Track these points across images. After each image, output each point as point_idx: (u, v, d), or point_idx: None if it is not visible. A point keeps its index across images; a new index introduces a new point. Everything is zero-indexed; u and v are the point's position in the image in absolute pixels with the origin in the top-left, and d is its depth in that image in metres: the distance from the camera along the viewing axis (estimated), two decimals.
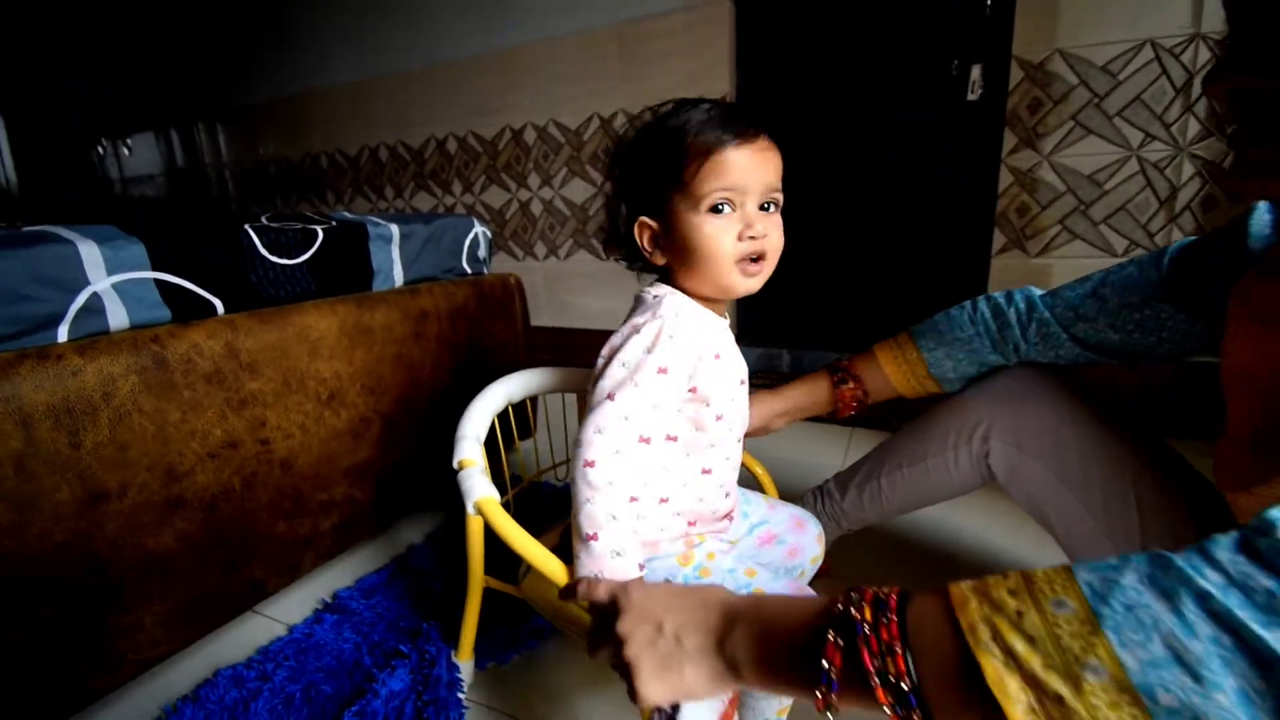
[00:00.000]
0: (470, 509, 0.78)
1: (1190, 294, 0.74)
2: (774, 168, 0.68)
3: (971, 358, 0.91)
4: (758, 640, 0.48)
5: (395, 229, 1.33)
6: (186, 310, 0.98)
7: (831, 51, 2.30)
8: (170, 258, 0.95)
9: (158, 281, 0.94)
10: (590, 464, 0.64)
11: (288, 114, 3.57)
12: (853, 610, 0.43)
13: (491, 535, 0.78)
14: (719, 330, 0.74)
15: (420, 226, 1.39)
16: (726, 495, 0.79)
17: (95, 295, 0.87)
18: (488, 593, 0.92)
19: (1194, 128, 1.79)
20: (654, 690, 0.51)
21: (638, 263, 0.76)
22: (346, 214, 1.35)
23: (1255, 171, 0.51)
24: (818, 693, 0.43)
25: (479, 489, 0.78)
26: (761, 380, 2.50)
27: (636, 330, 0.68)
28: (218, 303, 1.02)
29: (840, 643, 0.42)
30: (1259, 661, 0.30)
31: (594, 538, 0.63)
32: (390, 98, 3.18)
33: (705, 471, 0.75)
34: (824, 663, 0.42)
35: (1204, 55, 1.73)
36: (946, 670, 0.38)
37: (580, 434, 0.66)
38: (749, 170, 0.65)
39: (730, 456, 0.77)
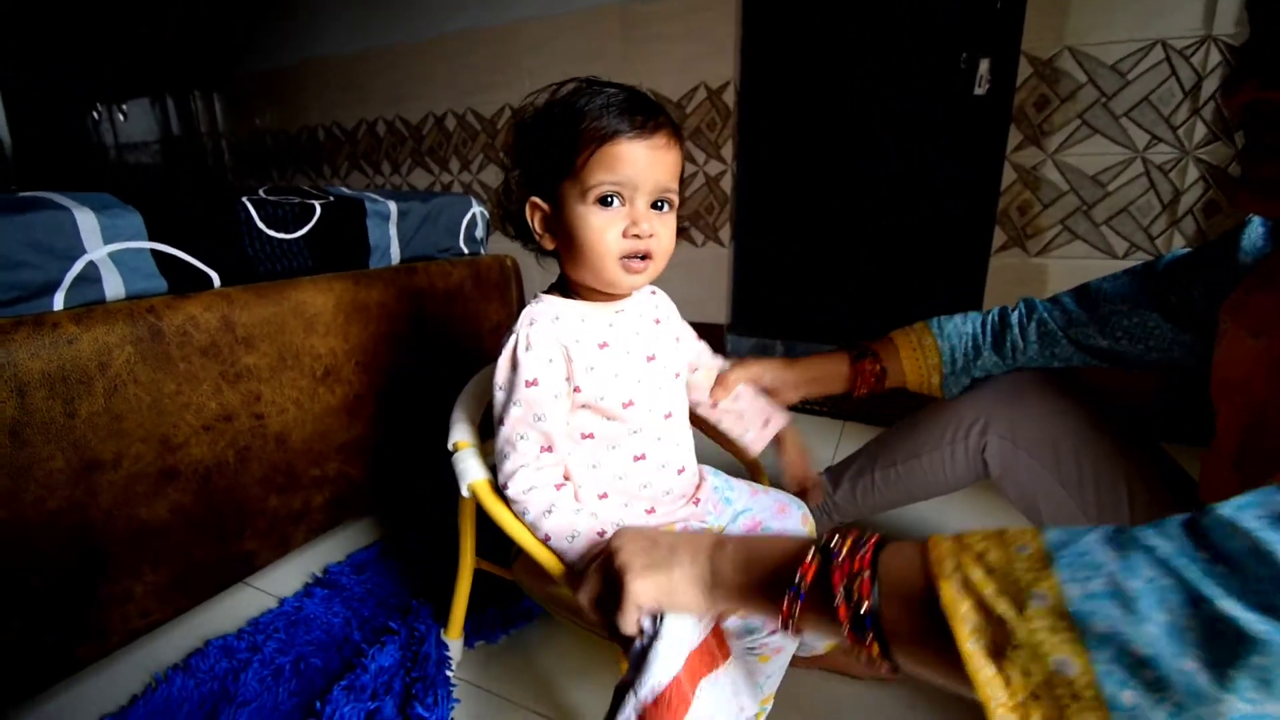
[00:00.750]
0: (464, 491, 0.78)
1: (1179, 305, 0.75)
2: (671, 166, 0.67)
3: (973, 354, 0.91)
4: (744, 556, 0.53)
5: (393, 206, 1.32)
6: (183, 282, 0.97)
7: (838, 39, 2.28)
8: (167, 228, 0.94)
9: (154, 252, 0.93)
10: (505, 486, 0.69)
11: (285, 85, 3.52)
12: (835, 541, 0.47)
13: (483, 517, 0.78)
14: (600, 324, 0.73)
15: (418, 204, 1.38)
16: (680, 471, 0.78)
17: (91, 264, 0.86)
18: (478, 573, 0.92)
19: (1200, 131, 1.79)
20: (642, 588, 0.55)
21: (530, 244, 0.75)
22: (344, 189, 1.34)
23: (1266, 188, 0.51)
24: (785, 601, 0.47)
25: (473, 471, 0.78)
26: None
27: (500, 352, 0.69)
28: (214, 275, 1.01)
29: (815, 561, 0.47)
30: (1190, 600, 0.32)
31: (548, 539, 0.68)
32: (388, 71, 3.14)
33: (638, 458, 0.74)
34: (797, 575, 0.47)
35: (1215, 58, 1.72)
36: (908, 599, 0.41)
37: (496, 453, 0.70)
38: (642, 165, 0.64)
39: (662, 436, 0.76)
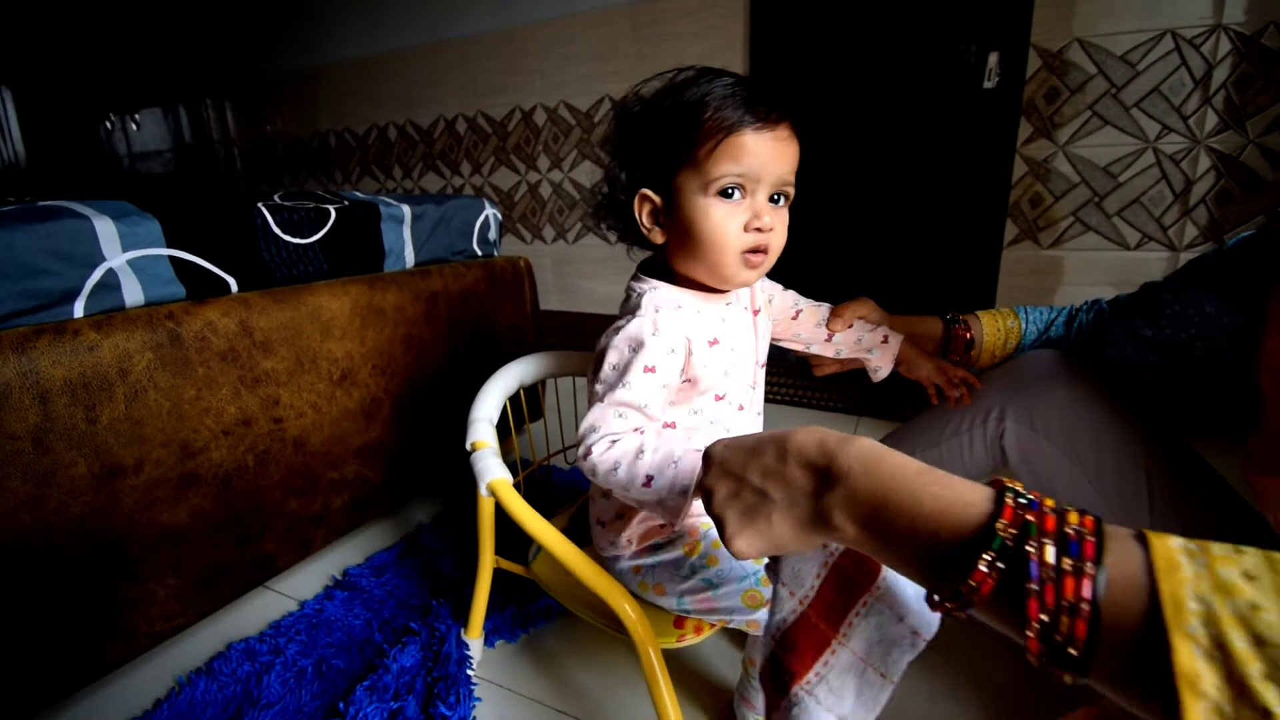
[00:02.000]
0: (483, 490, 0.79)
1: (1226, 289, 0.74)
2: (791, 158, 0.65)
3: (1048, 332, 0.93)
4: (868, 512, 0.40)
5: (407, 209, 1.32)
6: (200, 287, 0.98)
7: (847, 34, 2.27)
8: (185, 235, 0.95)
9: (172, 258, 0.94)
10: (587, 455, 0.64)
11: (296, 91, 3.55)
12: (1029, 545, 0.34)
13: (501, 516, 0.78)
14: (713, 318, 0.71)
15: (432, 207, 1.39)
16: None
17: (111, 271, 0.87)
18: (497, 572, 0.93)
19: (1212, 121, 1.77)
20: (742, 544, 0.47)
21: (631, 238, 0.73)
22: (358, 194, 1.34)
23: None
24: (943, 602, 0.37)
25: (492, 470, 0.78)
26: (768, 366, 2.50)
27: (620, 331, 0.67)
28: (231, 280, 1.02)
29: (996, 573, 0.34)
30: None
31: (649, 482, 0.60)
32: (399, 75, 3.16)
33: None
34: (968, 584, 0.35)
35: (1225, 46, 1.71)
36: (1122, 629, 0.31)
37: (581, 428, 0.66)
38: (766, 158, 0.63)
39: (732, 428, 0.75)
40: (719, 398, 0.72)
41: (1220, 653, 0.28)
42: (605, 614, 0.71)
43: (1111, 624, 0.31)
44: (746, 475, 0.47)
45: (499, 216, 1.60)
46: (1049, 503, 0.36)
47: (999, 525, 0.34)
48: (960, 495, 0.37)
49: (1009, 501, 0.35)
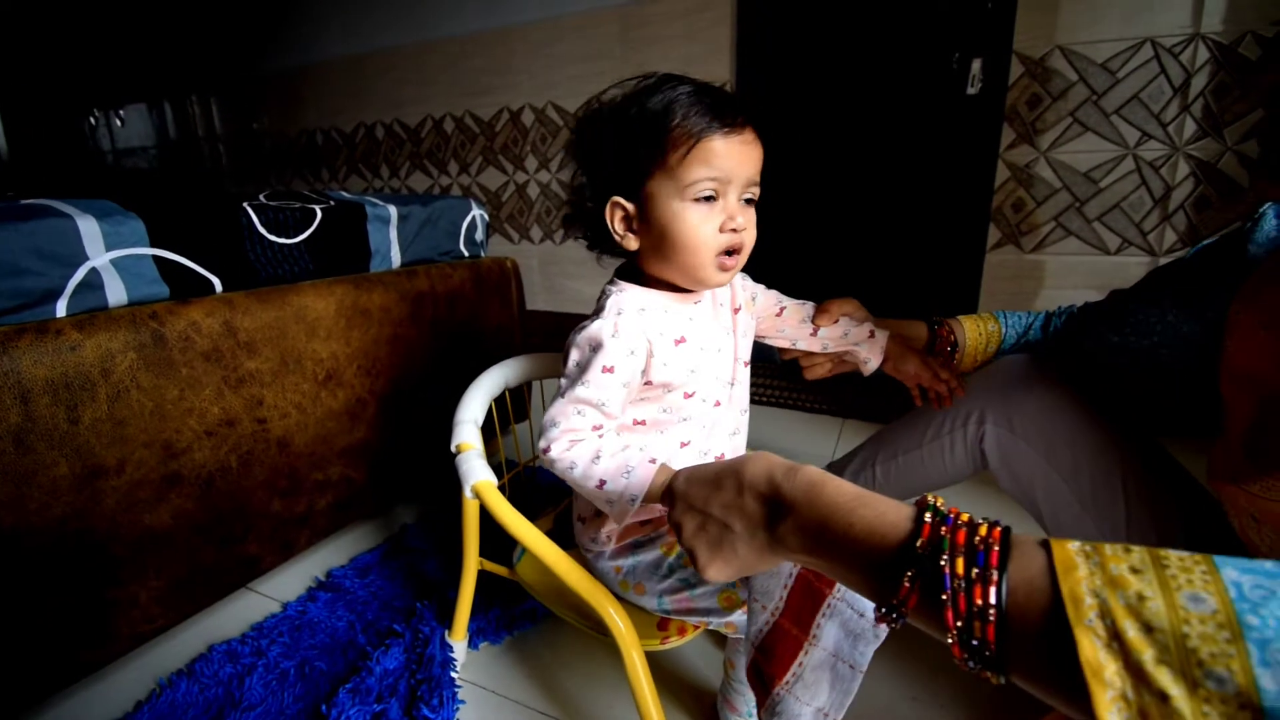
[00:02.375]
0: (468, 492, 0.79)
1: (1189, 295, 0.76)
2: (756, 160, 0.68)
3: (1027, 336, 0.94)
4: (812, 533, 0.44)
5: (393, 210, 1.32)
6: (184, 287, 0.98)
7: (832, 39, 2.29)
8: (169, 234, 0.95)
9: (156, 258, 0.94)
10: (547, 449, 0.68)
11: (283, 89, 3.52)
12: (942, 560, 0.37)
13: (486, 518, 0.79)
14: (681, 317, 0.73)
15: (418, 208, 1.39)
16: (720, 459, 0.78)
17: (94, 271, 0.87)
18: (482, 575, 0.93)
19: (1190, 128, 1.80)
20: (713, 573, 0.52)
21: (602, 245, 0.75)
22: (344, 193, 1.34)
23: None
24: (887, 614, 0.40)
25: (477, 472, 0.78)
26: (753, 368, 2.51)
27: (582, 330, 0.69)
28: (216, 281, 1.02)
29: (917, 587, 0.38)
30: None
31: (601, 485, 0.66)
32: (387, 74, 3.14)
33: (683, 445, 0.75)
34: (897, 598, 0.38)
35: (1203, 55, 1.74)
36: (1030, 629, 0.34)
37: (544, 419, 0.70)
38: (736, 161, 0.65)
39: (707, 424, 0.76)
40: (688, 395, 0.73)
41: (1117, 642, 0.30)
42: (589, 616, 0.72)
43: (1020, 625, 0.34)
44: (709, 510, 0.52)
45: (486, 217, 1.60)
46: (964, 517, 0.39)
47: (917, 544, 0.38)
48: (885, 517, 0.41)
49: (927, 519, 0.39)
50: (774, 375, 2.43)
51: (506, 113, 2.88)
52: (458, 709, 0.89)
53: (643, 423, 0.74)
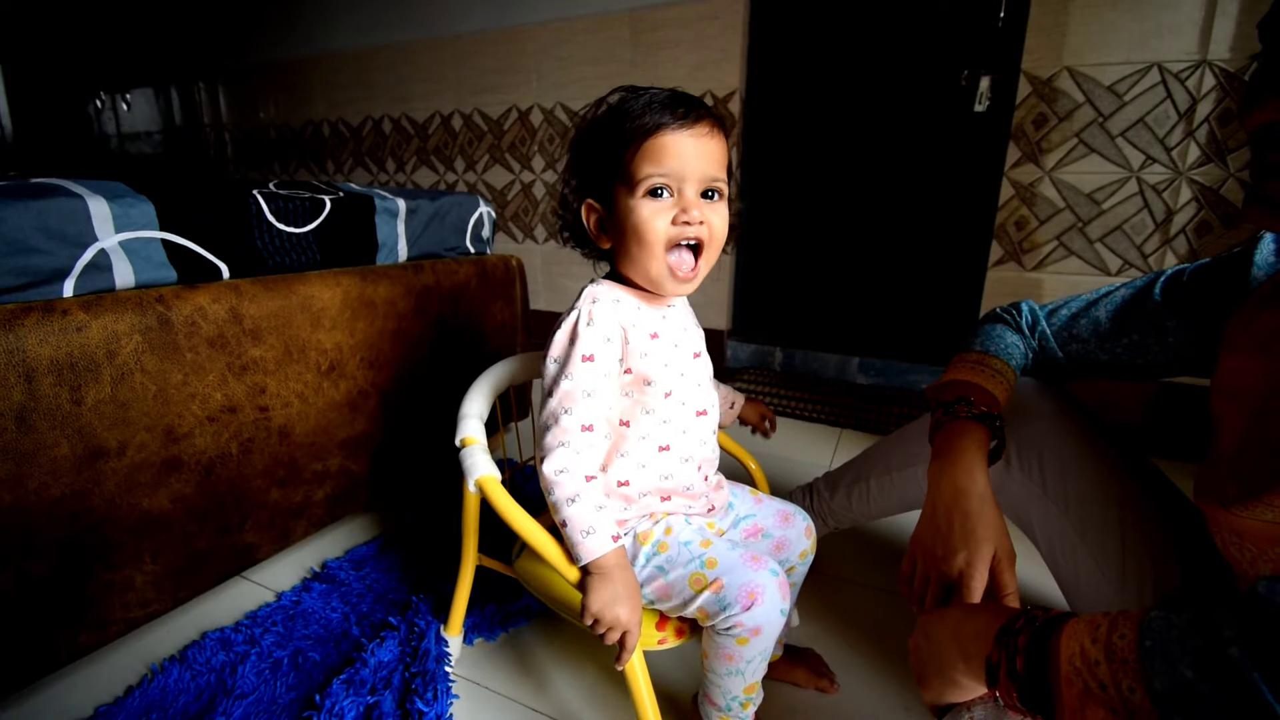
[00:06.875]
0: (471, 486, 0.79)
1: (1188, 318, 0.75)
2: (715, 154, 0.69)
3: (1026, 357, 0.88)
4: None
5: (402, 204, 1.32)
6: (192, 272, 0.98)
7: (843, 53, 2.31)
8: (179, 219, 0.95)
9: (165, 242, 0.93)
10: (541, 459, 0.70)
11: (291, 78, 3.52)
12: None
13: (485, 513, 0.79)
14: (654, 315, 0.76)
15: (426, 202, 1.39)
16: (700, 470, 0.80)
17: (103, 252, 0.86)
18: (479, 570, 0.93)
19: (1194, 153, 1.82)
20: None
21: (584, 246, 0.79)
22: (353, 185, 1.34)
23: (1276, 206, 0.52)
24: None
25: (481, 467, 0.78)
26: (752, 376, 2.52)
27: (560, 325, 0.72)
28: (223, 266, 1.02)
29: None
30: None
31: (564, 525, 0.68)
32: (396, 69, 3.15)
33: (663, 449, 0.76)
34: None
35: (1209, 81, 1.75)
36: None
37: (540, 419, 0.72)
38: (689, 155, 0.67)
39: (688, 430, 0.78)
40: (668, 394, 0.75)
41: None
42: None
43: None
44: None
45: (493, 214, 1.60)
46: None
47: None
48: None
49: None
50: (773, 383, 2.43)
51: (515, 112, 2.88)
52: (451, 703, 0.89)
53: (626, 424, 0.75)
